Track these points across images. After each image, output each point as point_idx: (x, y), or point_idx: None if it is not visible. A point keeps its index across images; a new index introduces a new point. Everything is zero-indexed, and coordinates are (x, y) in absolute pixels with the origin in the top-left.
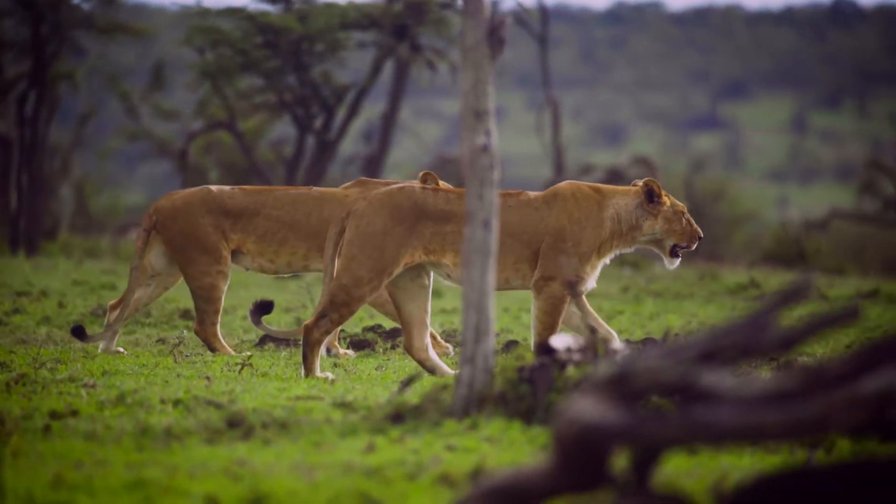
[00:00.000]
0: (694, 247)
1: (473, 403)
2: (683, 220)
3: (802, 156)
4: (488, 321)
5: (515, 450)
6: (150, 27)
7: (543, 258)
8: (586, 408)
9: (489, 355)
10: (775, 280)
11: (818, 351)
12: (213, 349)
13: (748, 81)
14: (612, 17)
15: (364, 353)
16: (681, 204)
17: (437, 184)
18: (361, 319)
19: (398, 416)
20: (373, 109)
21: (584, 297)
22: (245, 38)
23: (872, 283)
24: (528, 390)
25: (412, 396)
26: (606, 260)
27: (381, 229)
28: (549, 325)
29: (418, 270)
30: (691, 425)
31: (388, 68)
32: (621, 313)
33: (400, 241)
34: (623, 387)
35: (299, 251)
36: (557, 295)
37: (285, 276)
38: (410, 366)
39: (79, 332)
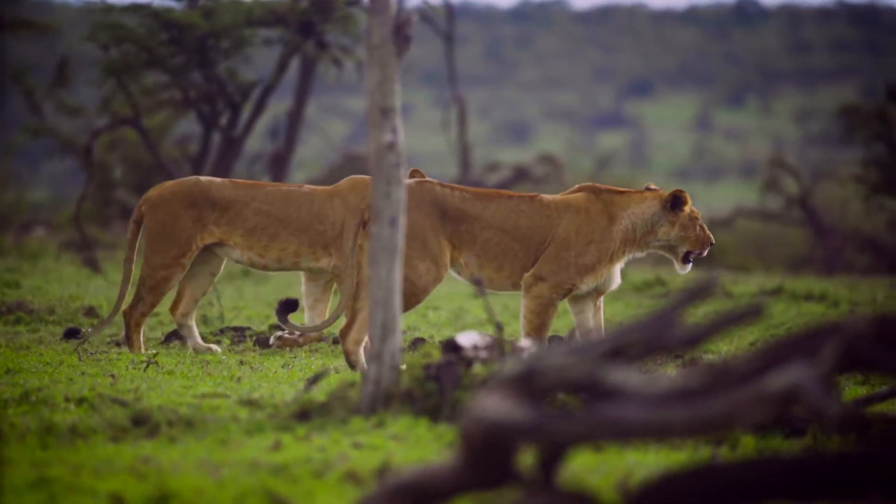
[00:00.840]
0: (705, 253)
1: (380, 401)
2: (697, 226)
3: (707, 154)
4: (395, 319)
5: (422, 447)
6: (54, 23)
7: (542, 259)
8: (493, 405)
9: (396, 353)
10: (681, 278)
11: (723, 348)
12: (128, 337)
13: (653, 80)
14: (518, 15)
15: (271, 351)
16: (696, 210)
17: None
18: (268, 317)
19: (305, 414)
20: (279, 106)
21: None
22: (150, 34)
23: (776, 280)
24: (435, 388)
25: (319, 394)
26: (620, 264)
27: (418, 222)
28: (537, 325)
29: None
30: (597, 422)
31: (294, 65)
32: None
33: (436, 231)
34: (530, 384)
35: (290, 247)
36: (546, 296)
37: (274, 271)
38: (317, 364)
39: (73, 333)
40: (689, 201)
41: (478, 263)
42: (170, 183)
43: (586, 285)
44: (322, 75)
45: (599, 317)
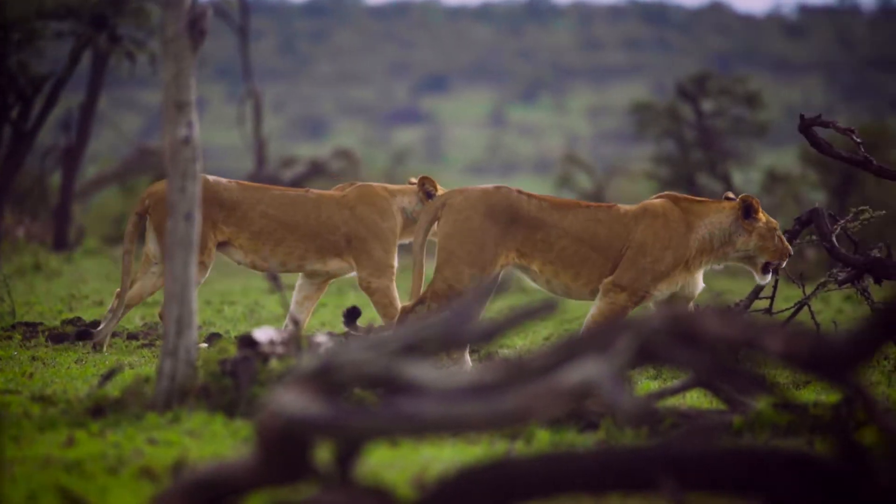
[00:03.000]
0: (784, 264)
1: (175, 396)
2: (776, 237)
3: (501, 149)
4: (191, 314)
5: (218, 443)
6: None
7: (620, 267)
8: (289, 400)
9: (192, 348)
10: None
11: (518, 343)
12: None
13: (448, 75)
14: (313, 9)
15: (63, 347)
16: (774, 221)
17: (436, 188)
18: (61, 312)
19: (99, 410)
20: (71, 100)
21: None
22: None
23: None
24: (231, 383)
25: (113, 390)
26: (697, 274)
27: (478, 226)
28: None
29: None
30: (394, 417)
31: (87, 58)
32: (324, 306)
33: (497, 240)
34: (326, 379)
35: (296, 251)
36: (620, 303)
37: (276, 273)
38: (111, 359)
39: (84, 334)
40: (760, 208)
41: (553, 271)
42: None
43: (660, 293)
44: (115, 68)
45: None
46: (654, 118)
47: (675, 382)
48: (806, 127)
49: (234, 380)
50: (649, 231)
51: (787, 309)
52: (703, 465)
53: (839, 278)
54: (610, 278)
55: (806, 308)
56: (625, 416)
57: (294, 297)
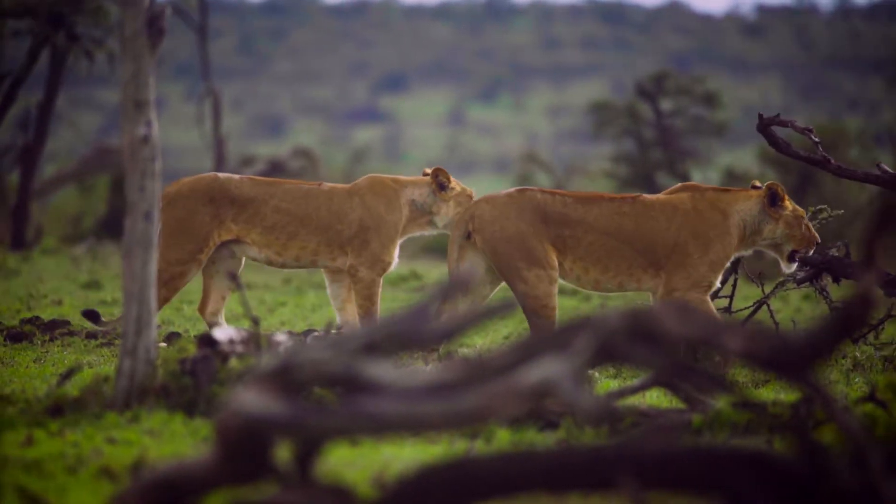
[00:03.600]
0: (811, 252)
1: (135, 396)
2: (803, 225)
3: (460, 148)
4: (150, 313)
5: (177, 442)
6: None
7: (667, 274)
8: (249, 399)
9: (151, 347)
10: (436, 272)
11: (477, 342)
12: None
13: (407, 74)
14: (271, 8)
15: (22, 346)
16: (801, 209)
17: (449, 179)
18: (19, 311)
19: (58, 409)
20: (29, 99)
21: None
22: None
23: None
24: (191, 382)
25: (72, 389)
26: (727, 264)
27: (516, 230)
28: None
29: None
30: (354, 416)
31: (45, 57)
32: (284, 305)
33: (541, 237)
34: (286, 378)
35: (309, 245)
36: (694, 300)
37: (291, 269)
38: (70, 358)
39: (92, 315)
40: (786, 196)
41: (583, 267)
42: (188, 179)
43: (718, 280)
44: (73, 67)
45: None
46: (612, 117)
47: (635, 381)
48: (764, 126)
49: (194, 379)
50: (686, 230)
51: (746, 308)
52: (662, 464)
53: (798, 277)
54: (662, 290)
55: (765, 307)
56: (584, 415)
57: (333, 306)
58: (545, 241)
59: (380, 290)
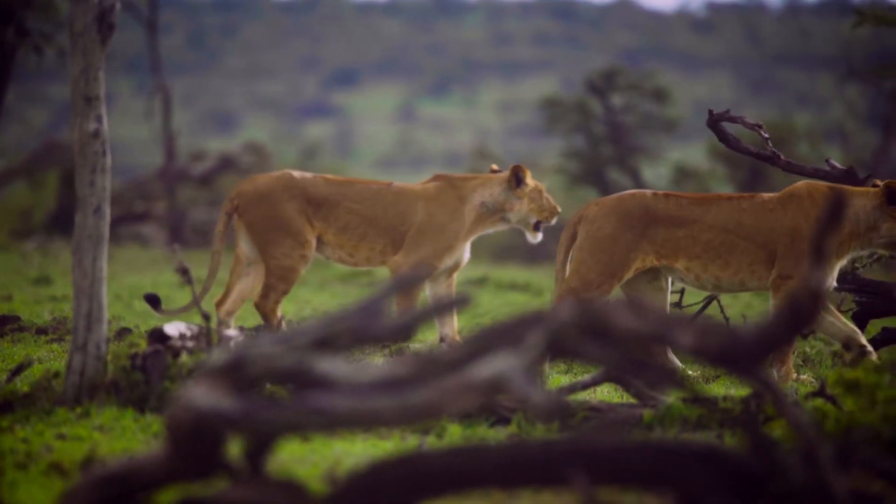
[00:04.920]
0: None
1: (85, 391)
2: None
3: (411, 144)
4: (101, 309)
5: (128, 438)
6: None
7: (780, 258)
8: (200, 395)
9: (101, 343)
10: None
11: (430, 337)
12: (270, 325)
13: (358, 70)
14: (221, 4)
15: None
16: None
17: (526, 174)
18: None
19: (7, 405)
20: None
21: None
22: None
23: (481, 270)
24: (142, 378)
25: (22, 385)
26: (843, 261)
27: (610, 234)
28: None
29: (655, 273)
30: (305, 412)
31: None
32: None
33: (630, 245)
34: (237, 374)
35: (377, 246)
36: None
37: (363, 268)
38: (20, 353)
39: (153, 300)
40: None
41: (702, 265)
42: (263, 176)
43: (828, 276)
44: (22, 62)
45: None
46: (563, 113)
47: (586, 377)
48: (714, 122)
49: (145, 374)
50: (800, 216)
51: (696, 303)
52: (613, 460)
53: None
54: (775, 273)
55: (715, 302)
56: (536, 410)
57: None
58: (639, 249)
59: (420, 291)
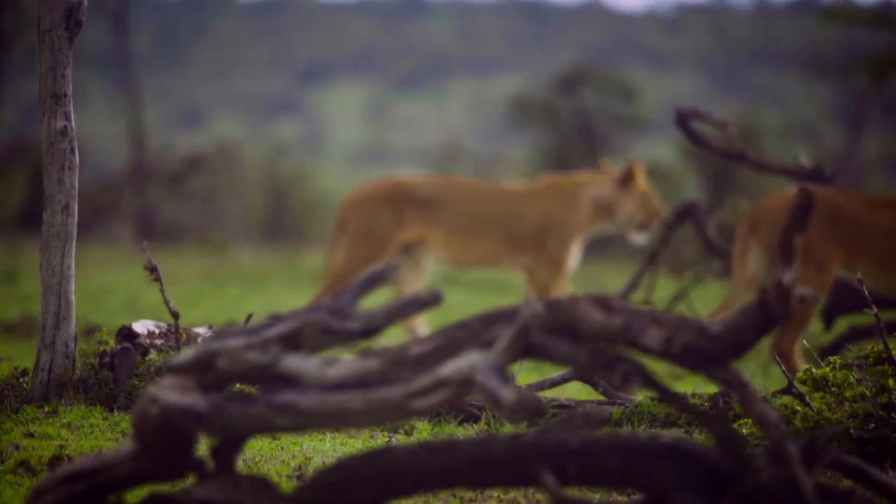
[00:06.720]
0: None
1: (53, 389)
2: None
3: (381, 141)
4: (69, 306)
5: (97, 436)
6: None
7: None
8: (168, 393)
9: (70, 340)
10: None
11: (399, 334)
12: None
13: (328, 67)
14: (191, 1)
15: None
16: None
17: (639, 174)
18: None
19: None
20: None
21: None
22: None
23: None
24: (110, 376)
25: None
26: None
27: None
28: None
29: None
30: (274, 410)
31: None
32: (204, 298)
33: (826, 239)
34: (206, 371)
35: (489, 246)
36: None
37: (473, 268)
38: None
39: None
40: None
41: (879, 269)
42: (372, 182)
43: None
44: None
45: None
46: (532, 111)
47: (555, 375)
48: (682, 120)
49: (113, 372)
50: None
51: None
52: (581, 456)
53: (716, 270)
54: None
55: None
56: (506, 407)
57: None
58: (828, 242)
59: (558, 290)
